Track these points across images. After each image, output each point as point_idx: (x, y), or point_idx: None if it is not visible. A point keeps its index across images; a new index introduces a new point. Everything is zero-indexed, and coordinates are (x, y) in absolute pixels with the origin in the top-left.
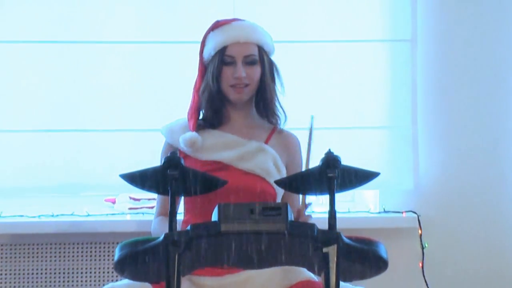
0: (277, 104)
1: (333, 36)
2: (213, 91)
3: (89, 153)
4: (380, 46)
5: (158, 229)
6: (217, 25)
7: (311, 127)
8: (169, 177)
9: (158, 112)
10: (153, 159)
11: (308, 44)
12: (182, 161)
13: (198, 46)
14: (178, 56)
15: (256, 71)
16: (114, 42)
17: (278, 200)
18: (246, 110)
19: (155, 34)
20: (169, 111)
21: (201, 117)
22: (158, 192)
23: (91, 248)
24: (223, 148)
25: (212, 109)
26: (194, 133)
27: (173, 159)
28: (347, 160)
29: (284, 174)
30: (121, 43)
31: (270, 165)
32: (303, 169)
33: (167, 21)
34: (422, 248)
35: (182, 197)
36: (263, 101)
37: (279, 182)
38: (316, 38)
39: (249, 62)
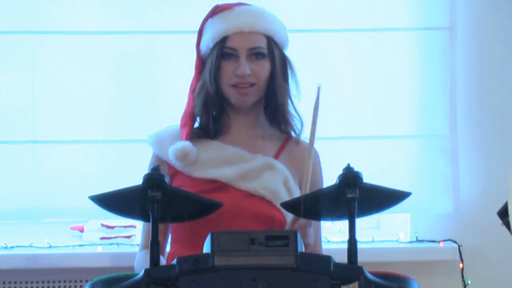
0: (290, 109)
1: (356, 24)
2: (211, 92)
3: (51, 169)
4: (412, 36)
5: (143, 265)
6: (216, 11)
7: (318, 99)
8: (150, 199)
9: (141, 119)
10: (133, 177)
11: (325, 34)
12: (167, 179)
13: (190, 36)
14: (163, 49)
15: (264, 67)
16: (78, 32)
17: None
18: (252, 116)
19: (130, 22)
20: (155, 118)
21: (197, 124)
22: (137, 218)
23: (54, 287)
24: (222, 163)
25: (209, 115)
26: (186, 143)
27: (155, 177)
28: (370, 177)
29: (295, 196)
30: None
31: (279, 186)
32: (307, 157)
33: (145, 7)
34: (465, 286)
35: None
36: (273, 105)
37: (285, 205)
38: (336, 27)
39: (255, 56)
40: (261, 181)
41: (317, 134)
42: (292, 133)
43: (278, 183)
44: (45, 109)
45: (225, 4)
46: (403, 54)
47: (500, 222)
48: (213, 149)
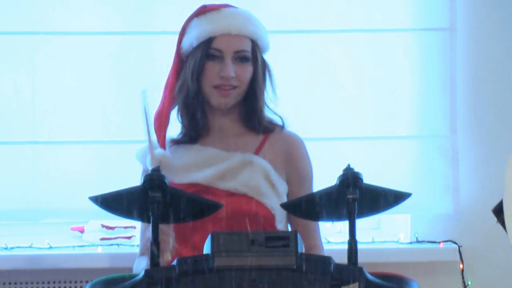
0: (266, 112)
1: (355, 25)
2: (191, 92)
3: (51, 170)
4: (412, 37)
5: (140, 266)
6: (203, 11)
7: (145, 103)
8: (150, 200)
9: (139, 120)
10: (133, 178)
11: (326, 35)
12: (167, 181)
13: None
14: (160, 50)
15: (247, 70)
16: (79, 33)
17: (278, 225)
18: (231, 117)
19: (129, 23)
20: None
21: (174, 132)
22: (137, 219)
23: None
24: (201, 166)
25: (189, 115)
26: (160, 150)
27: (155, 178)
28: (370, 178)
29: (281, 190)
30: (87, 34)
31: (260, 181)
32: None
33: (144, 7)
34: (465, 287)
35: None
36: (252, 108)
37: (285, 206)
38: (337, 28)
39: (239, 59)
40: (240, 178)
41: (316, 135)
42: (276, 127)
43: (258, 178)
44: (45, 109)
45: (213, 5)
46: (403, 54)
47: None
48: (192, 153)
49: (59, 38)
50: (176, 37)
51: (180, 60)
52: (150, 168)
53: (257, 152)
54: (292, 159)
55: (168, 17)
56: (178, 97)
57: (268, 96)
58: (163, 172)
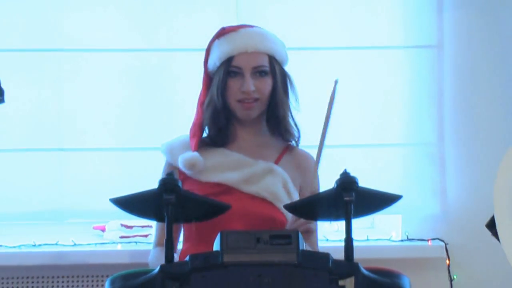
0: (290, 120)
1: (350, 43)
2: (218, 107)
3: (76, 174)
4: (403, 53)
5: (156, 261)
6: (222, 33)
7: (334, 93)
8: (165, 202)
9: (156, 129)
10: (149, 182)
11: (321, 52)
12: (180, 184)
13: (201, 54)
14: (175, 65)
15: (267, 83)
16: (100, 50)
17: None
18: (255, 127)
19: (147, 41)
20: (169, 128)
21: (205, 134)
22: (153, 219)
23: (77, 281)
24: (227, 168)
25: (216, 127)
26: (194, 154)
27: (169, 182)
28: (365, 181)
29: (294, 198)
30: (108, 51)
31: (279, 188)
32: (320, 147)
33: (161, 25)
34: (451, 281)
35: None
36: (275, 118)
37: (288, 207)
38: (330, 45)
39: (258, 73)
40: (262, 184)
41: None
42: (292, 142)
43: (278, 186)
44: (70, 120)
45: (231, 26)
46: (395, 70)
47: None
48: (219, 156)
49: (83, 54)
50: (189, 53)
51: (209, 78)
52: (181, 166)
53: (276, 162)
54: (305, 174)
55: (182, 36)
56: (207, 111)
57: (292, 104)
58: (193, 173)
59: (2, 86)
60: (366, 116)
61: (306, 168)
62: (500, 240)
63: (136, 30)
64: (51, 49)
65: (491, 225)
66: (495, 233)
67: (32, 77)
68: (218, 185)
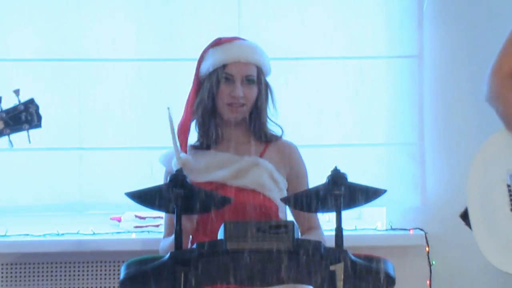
0: (269, 124)
1: (339, 53)
2: (208, 108)
3: (95, 171)
4: (386, 63)
5: (166, 249)
6: (218, 43)
7: (170, 118)
8: (174, 195)
9: (166, 130)
10: (160, 177)
11: (312, 61)
12: (188, 180)
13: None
14: (184, 73)
15: (253, 91)
16: (116, 60)
17: (280, 214)
18: (239, 128)
19: (159, 51)
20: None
21: (193, 136)
22: (164, 210)
23: (96, 267)
24: (217, 167)
25: (205, 126)
26: (183, 154)
27: (178, 177)
28: (353, 177)
29: (282, 185)
30: (123, 60)
31: (264, 178)
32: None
33: (172, 37)
34: (430, 266)
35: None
36: (257, 122)
37: (284, 200)
38: (321, 55)
39: (247, 81)
40: (249, 177)
41: (309, 142)
42: (275, 137)
43: (264, 177)
44: (89, 122)
45: (226, 38)
46: (379, 77)
47: (463, 223)
48: (209, 157)
49: (102, 63)
50: (184, 63)
51: (199, 82)
52: (175, 168)
53: (261, 156)
54: (290, 162)
55: (190, 47)
56: (197, 112)
57: (270, 111)
58: (186, 172)
59: (36, 102)
60: (353, 119)
61: (290, 155)
62: (472, 228)
63: (150, 43)
64: (72, 59)
65: (465, 216)
66: (468, 223)
67: (55, 85)
68: (210, 183)
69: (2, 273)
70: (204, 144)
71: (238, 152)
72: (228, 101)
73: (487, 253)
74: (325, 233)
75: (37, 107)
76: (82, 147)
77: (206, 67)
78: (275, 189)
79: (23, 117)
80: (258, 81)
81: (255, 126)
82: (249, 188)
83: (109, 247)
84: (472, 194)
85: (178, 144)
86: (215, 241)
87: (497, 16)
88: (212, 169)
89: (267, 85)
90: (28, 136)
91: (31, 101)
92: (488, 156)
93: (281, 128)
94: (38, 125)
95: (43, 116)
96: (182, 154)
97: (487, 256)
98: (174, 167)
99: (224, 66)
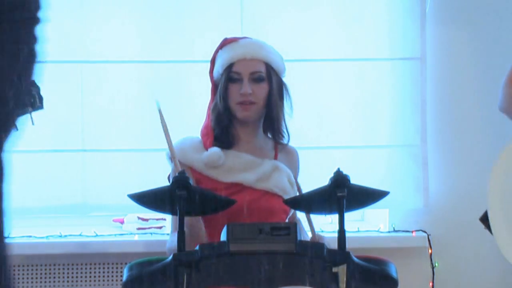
0: (283, 123)
1: (341, 55)
2: (221, 109)
3: (97, 173)
4: (389, 65)
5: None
6: (225, 43)
7: (160, 111)
8: (177, 197)
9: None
10: (163, 179)
11: (316, 63)
12: (191, 181)
13: (207, 65)
14: (187, 75)
15: (263, 88)
16: (119, 61)
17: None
18: (254, 129)
19: (162, 53)
20: (180, 132)
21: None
22: (167, 212)
23: (99, 268)
24: (242, 169)
25: (220, 128)
26: (217, 149)
27: (181, 179)
28: (355, 179)
29: (296, 190)
30: (126, 62)
31: (285, 182)
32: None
33: (175, 39)
34: (433, 268)
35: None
36: (270, 120)
37: (288, 202)
38: (324, 57)
39: (255, 79)
40: (272, 180)
41: (312, 144)
42: (283, 141)
43: (284, 181)
44: (92, 124)
45: (232, 38)
46: (382, 79)
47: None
48: (233, 157)
49: (104, 65)
50: (202, 65)
51: (215, 86)
52: (208, 161)
53: (275, 158)
54: (295, 168)
55: (196, 48)
56: (213, 114)
57: (286, 111)
58: (211, 172)
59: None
60: (356, 121)
61: (296, 162)
62: (493, 232)
63: (153, 44)
64: (75, 61)
65: (484, 219)
66: (488, 226)
67: (58, 86)
68: (236, 184)
69: None
70: (222, 143)
71: (256, 154)
72: (238, 100)
73: (509, 255)
74: (328, 235)
75: (38, 89)
76: (85, 149)
77: (217, 70)
78: (292, 193)
79: (26, 99)
80: (268, 78)
81: (268, 125)
82: (273, 192)
83: (112, 249)
84: (493, 197)
85: (170, 137)
86: (217, 242)
87: (500, 18)
88: (238, 170)
89: (281, 83)
90: (32, 118)
91: (32, 83)
92: (510, 160)
93: (289, 135)
94: (40, 106)
95: (45, 116)
96: (217, 149)
97: (509, 259)
98: (207, 159)
99: (231, 65)
